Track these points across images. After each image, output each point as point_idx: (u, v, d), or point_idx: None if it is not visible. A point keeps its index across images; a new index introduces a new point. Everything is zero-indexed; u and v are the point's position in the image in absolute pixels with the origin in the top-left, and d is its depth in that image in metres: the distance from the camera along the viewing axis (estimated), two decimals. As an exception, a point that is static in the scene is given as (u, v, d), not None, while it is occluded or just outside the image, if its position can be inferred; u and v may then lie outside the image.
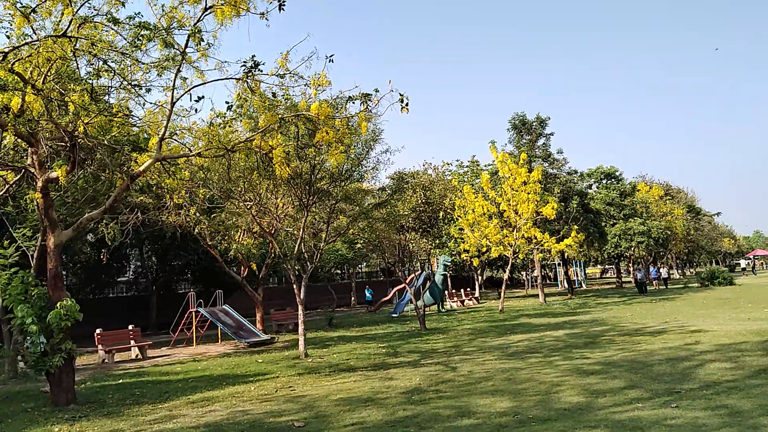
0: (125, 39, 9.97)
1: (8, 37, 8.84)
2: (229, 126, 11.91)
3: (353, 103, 12.55)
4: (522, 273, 63.44)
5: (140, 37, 9.20)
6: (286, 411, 9.07)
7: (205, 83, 11.65)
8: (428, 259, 26.02)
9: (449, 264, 34.04)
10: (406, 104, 11.27)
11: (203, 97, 10.79)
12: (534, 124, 34.64)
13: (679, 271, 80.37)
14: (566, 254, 37.93)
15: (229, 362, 15.86)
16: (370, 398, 9.61)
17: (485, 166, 44.22)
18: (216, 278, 31.92)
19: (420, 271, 31.04)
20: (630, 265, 59.62)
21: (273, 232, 18.40)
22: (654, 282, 47.26)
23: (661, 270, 48.45)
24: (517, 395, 9.06)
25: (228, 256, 23.79)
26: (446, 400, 9.08)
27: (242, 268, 23.79)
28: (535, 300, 37.07)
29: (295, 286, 16.37)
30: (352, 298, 45.32)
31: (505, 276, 30.88)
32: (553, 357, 12.90)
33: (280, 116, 11.82)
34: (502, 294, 29.21)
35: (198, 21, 10.92)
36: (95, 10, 9.93)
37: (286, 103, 12.53)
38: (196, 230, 21.09)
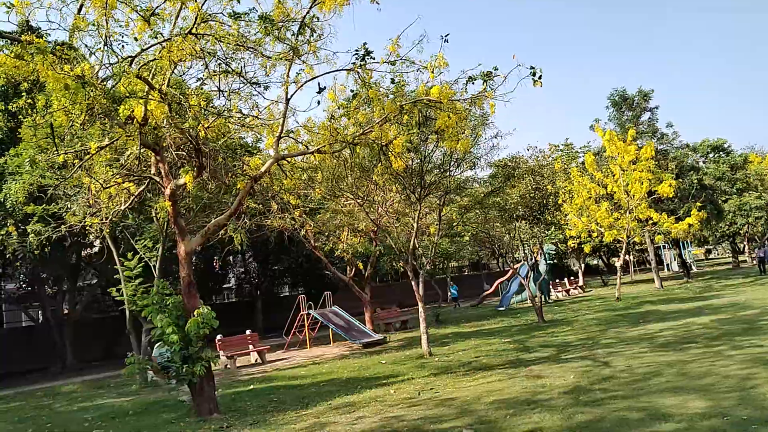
0: (244, 36, 9.64)
1: (136, 39, 8.62)
2: (353, 117, 11.35)
3: (473, 83, 11.72)
4: (617, 258, 60.19)
5: (266, 30, 8.76)
6: (443, 416, 8.37)
7: (314, 78, 11.19)
8: (541, 247, 24.76)
9: (553, 253, 32.54)
10: (540, 77, 10.28)
11: (325, 88, 10.29)
12: (636, 98, 32.48)
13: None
14: (677, 236, 35.43)
15: (352, 364, 15.43)
16: (529, 400, 8.75)
17: (580, 148, 42.03)
18: (317, 280, 32.02)
19: (523, 262, 29.75)
20: (744, 242, 55.27)
21: (382, 228, 17.89)
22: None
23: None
24: (706, 392, 7.92)
25: (333, 258, 23.57)
26: (622, 400, 8.07)
27: (348, 268, 23.48)
28: (647, 286, 34.82)
29: (413, 283, 15.73)
30: (449, 294, 44.47)
31: (620, 262, 29.05)
32: (717, 346, 11.53)
33: (399, 104, 11.14)
34: (618, 281, 27.43)
35: (307, 13, 10.46)
36: (201, 12, 9.66)
37: (403, 89, 11.84)
38: (302, 232, 20.93)
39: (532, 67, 10.31)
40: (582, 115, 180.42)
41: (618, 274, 27.78)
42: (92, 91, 7.77)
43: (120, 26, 9.48)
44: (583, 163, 29.92)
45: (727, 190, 42.02)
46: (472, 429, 7.48)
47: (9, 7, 8.22)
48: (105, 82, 8.61)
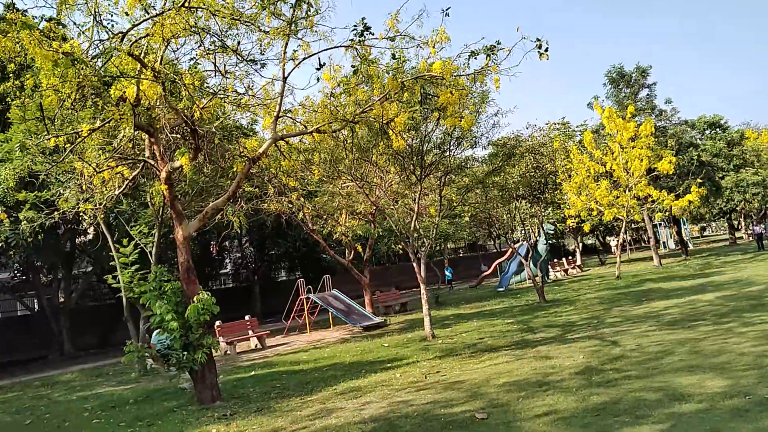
0: (238, 10, 9.26)
1: (127, 14, 8.23)
2: (353, 95, 10.98)
3: (475, 58, 11.37)
4: (613, 237, 60.17)
5: (261, 4, 8.39)
6: (453, 400, 8.15)
7: (312, 55, 10.82)
8: (541, 226, 24.53)
9: (551, 232, 32.38)
10: (546, 50, 9.94)
11: (324, 64, 9.93)
12: (633, 75, 32.11)
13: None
14: (675, 213, 35.38)
15: (354, 348, 15.24)
16: (541, 381, 8.55)
17: (577, 127, 41.70)
18: (315, 264, 31.77)
19: (523, 241, 29.58)
20: (740, 219, 55.34)
21: (381, 210, 17.60)
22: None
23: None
24: (723, 371, 7.73)
25: (331, 241, 23.28)
26: (637, 380, 7.87)
27: (347, 251, 23.21)
28: (646, 264, 34.74)
29: (415, 265, 15.49)
30: (445, 276, 44.33)
31: (618, 240, 28.91)
32: (727, 323, 11.35)
33: (401, 81, 10.79)
34: (618, 259, 27.29)
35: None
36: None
37: (404, 66, 11.46)
38: (300, 216, 20.62)
39: (537, 39, 9.98)
40: (580, 87, 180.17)
41: (617, 252, 27.65)
42: (82, 68, 7.39)
43: (109, 2, 9.09)
44: (581, 141, 29.64)
45: (724, 166, 41.86)
46: (484, 413, 7.26)
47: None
48: (95, 61, 8.23)
